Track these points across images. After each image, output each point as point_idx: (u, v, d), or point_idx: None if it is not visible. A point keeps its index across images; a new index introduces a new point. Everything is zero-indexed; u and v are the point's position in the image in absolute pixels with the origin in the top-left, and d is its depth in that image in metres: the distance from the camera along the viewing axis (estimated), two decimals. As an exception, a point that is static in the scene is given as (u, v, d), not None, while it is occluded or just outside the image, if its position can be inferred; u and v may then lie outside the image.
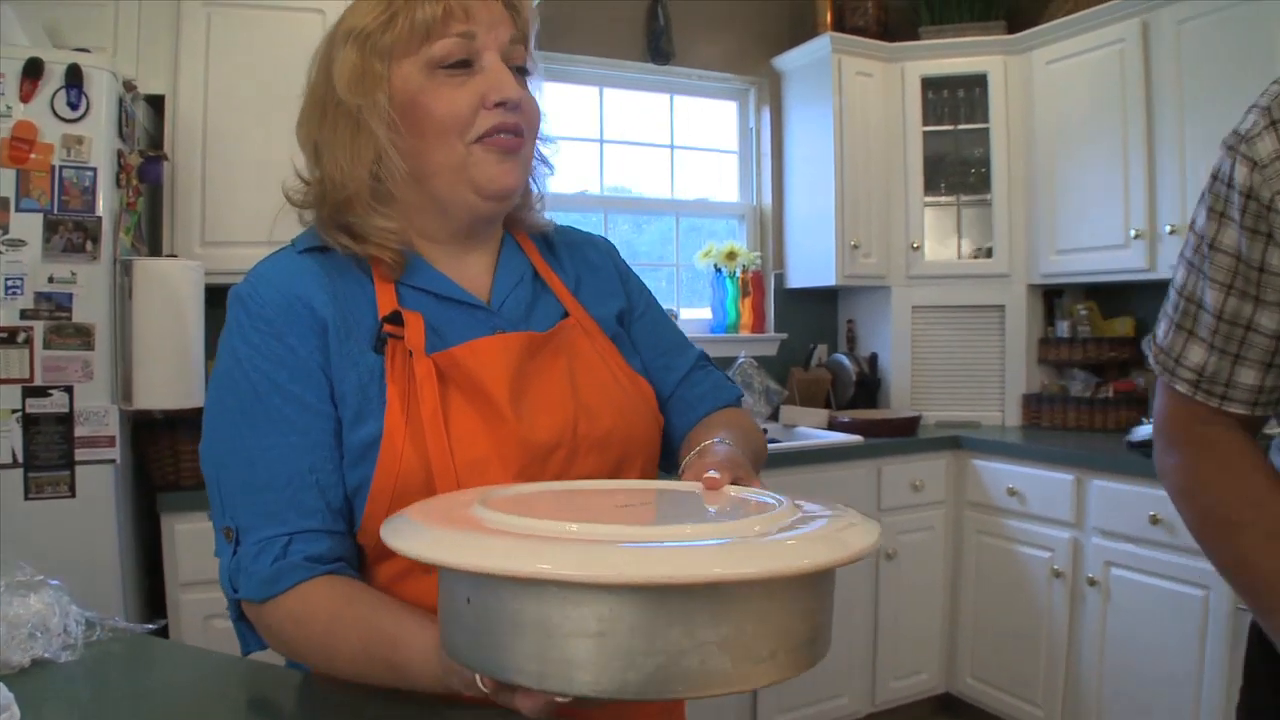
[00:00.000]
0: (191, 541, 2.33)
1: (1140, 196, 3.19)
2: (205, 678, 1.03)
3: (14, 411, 2.02)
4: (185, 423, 2.39)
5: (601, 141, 3.89)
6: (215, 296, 2.36)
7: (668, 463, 1.17)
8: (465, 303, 1.04)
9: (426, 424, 0.93)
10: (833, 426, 3.56)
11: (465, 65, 0.99)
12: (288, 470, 0.93)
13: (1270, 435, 1.19)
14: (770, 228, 4.12)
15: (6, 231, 2.02)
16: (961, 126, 3.81)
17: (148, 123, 2.54)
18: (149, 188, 2.48)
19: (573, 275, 1.16)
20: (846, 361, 3.95)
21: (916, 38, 3.85)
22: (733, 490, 0.84)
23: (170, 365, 2.20)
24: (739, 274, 3.91)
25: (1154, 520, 2.71)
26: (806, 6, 4.02)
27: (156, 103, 2.60)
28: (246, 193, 2.63)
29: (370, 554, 0.98)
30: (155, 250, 2.62)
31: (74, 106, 2.05)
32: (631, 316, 1.19)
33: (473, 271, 1.08)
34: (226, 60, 2.65)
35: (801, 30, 4.01)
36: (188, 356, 2.24)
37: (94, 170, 2.07)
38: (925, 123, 3.80)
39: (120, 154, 2.17)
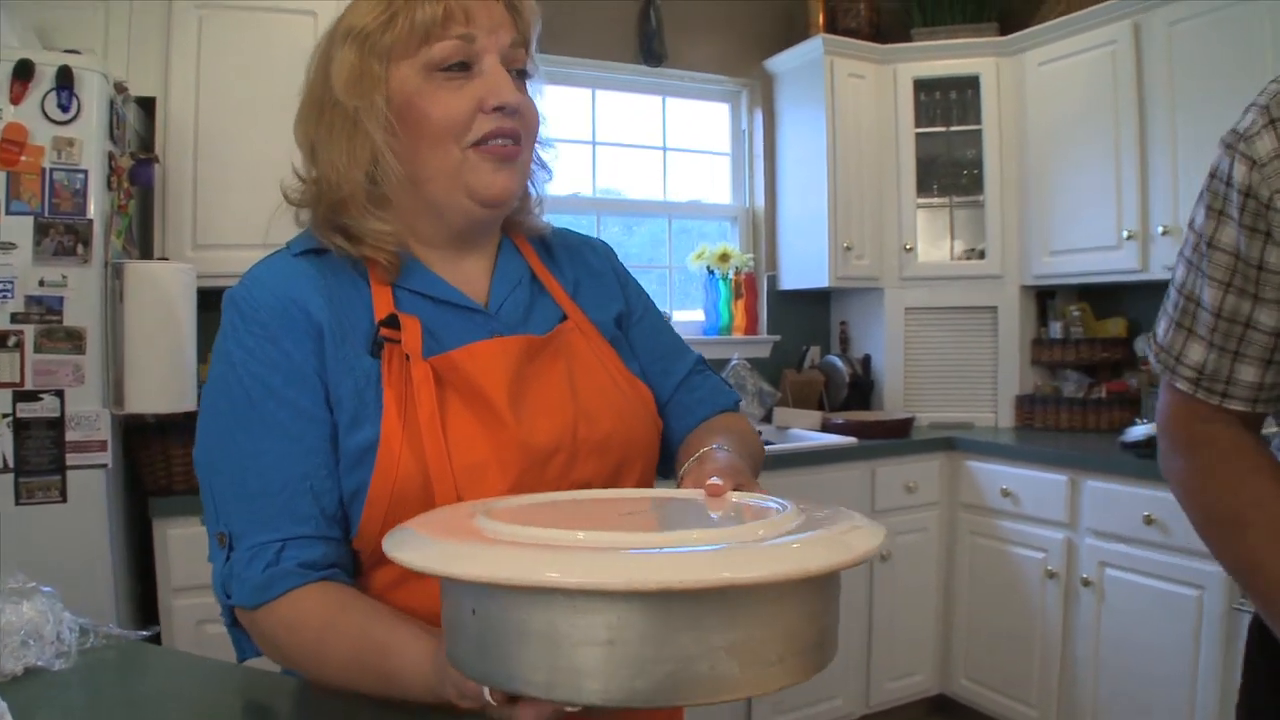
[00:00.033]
0: (184, 546, 2.31)
1: (1133, 197, 3.20)
2: (200, 685, 1.02)
3: (4, 416, 2.01)
4: (177, 427, 2.37)
5: (594, 144, 3.88)
6: (207, 300, 2.35)
7: (665, 467, 1.16)
8: (462, 306, 1.03)
9: (424, 428, 0.93)
10: (826, 428, 3.56)
11: (464, 68, 0.98)
12: (281, 476, 0.92)
13: (1270, 435, 1.19)
14: (763, 230, 4.12)
15: (-4, 234, 2.00)
16: (954, 128, 3.81)
17: (138, 125, 2.53)
18: (140, 190, 2.46)
19: (571, 278, 1.15)
20: (840, 363, 3.94)
21: (908, 39, 3.86)
22: (735, 497, 0.83)
23: (162, 369, 2.19)
24: (732, 276, 3.91)
25: (1148, 520, 2.71)
26: (798, 8, 4.03)
27: (147, 105, 2.58)
28: (238, 195, 2.62)
29: (365, 560, 0.97)
30: (146, 253, 2.60)
31: (65, 108, 2.03)
32: (630, 320, 1.19)
33: (470, 275, 1.07)
34: (218, 62, 2.63)
35: (793, 32, 4.01)
36: (180, 360, 2.23)
37: (85, 173, 2.05)
38: (918, 124, 3.80)
39: (111, 156, 2.15)
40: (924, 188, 3.85)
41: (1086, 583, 2.91)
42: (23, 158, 2.01)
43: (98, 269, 2.09)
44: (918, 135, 3.80)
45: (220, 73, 2.64)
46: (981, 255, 3.77)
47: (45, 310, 2.03)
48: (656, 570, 0.54)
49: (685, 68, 3.92)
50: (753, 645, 0.58)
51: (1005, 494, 3.20)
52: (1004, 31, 3.73)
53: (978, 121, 3.72)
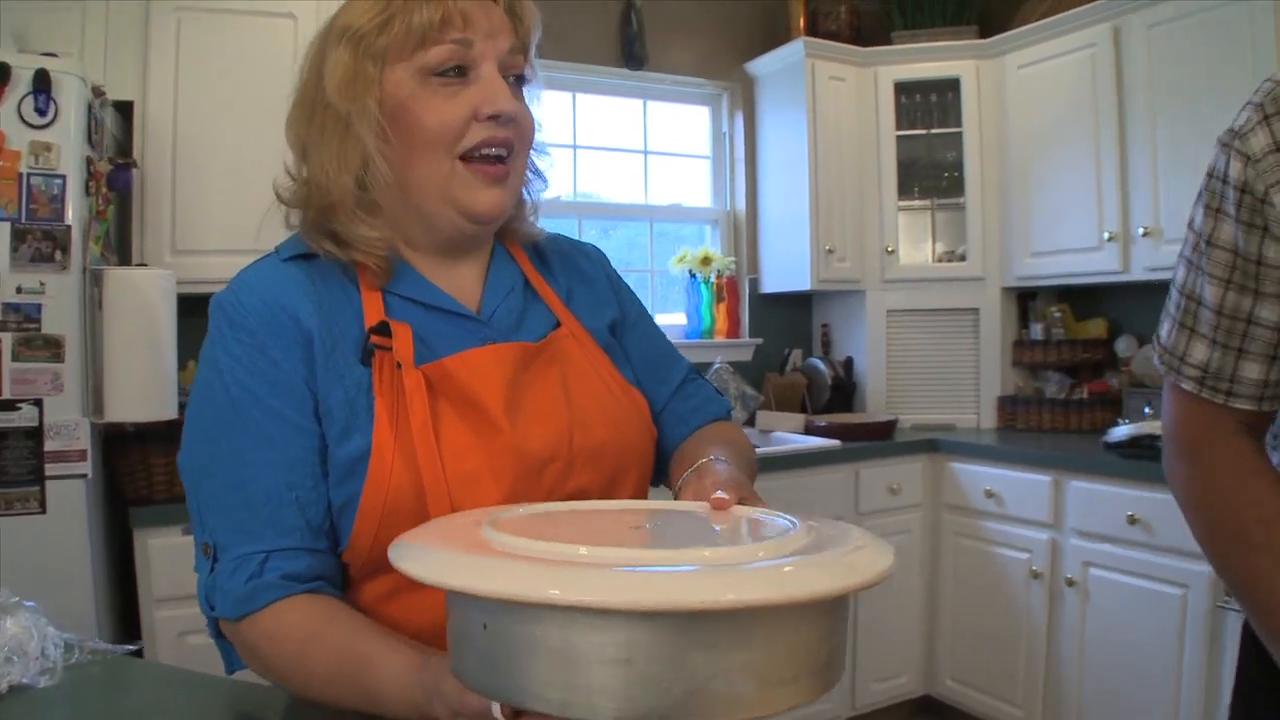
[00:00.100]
0: (165, 556, 2.28)
1: (1113, 199, 3.22)
2: (188, 699, 1.01)
3: (-19, 426, 1.98)
4: (157, 436, 2.34)
5: (575, 147, 3.87)
6: (187, 306, 2.32)
7: (658, 475, 1.15)
8: (455, 313, 1.02)
9: (417, 438, 0.91)
10: (809, 431, 3.56)
11: (460, 73, 0.96)
12: (266, 487, 0.91)
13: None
14: (744, 233, 4.12)
15: (-28, 241, 1.97)
16: (934, 130, 3.82)
17: (116, 129, 2.49)
18: (117, 196, 2.43)
19: (564, 285, 1.14)
20: (822, 366, 3.95)
21: (889, 42, 3.87)
22: (740, 511, 0.83)
23: (142, 377, 2.16)
24: (713, 279, 3.91)
25: (1131, 520, 2.73)
26: (779, 11, 4.03)
27: (124, 109, 2.55)
28: (217, 200, 2.59)
29: (356, 573, 0.96)
30: (124, 260, 2.57)
31: (42, 113, 2.00)
32: (624, 327, 1.18)
33: (462, 281, 1.06)
34: (196, 65, 2.60)
35: (774, 35, 4.02)
36: (160, 368, 2.20)
37: (63, 178, 2.02)
38: (898, 127, 3.81)
39: (90, 161, 2.12)
40: (905, 190, 3.86)
41: (1071, 583, 2.92)
42: (-1, 163, 1.98)
43: (76, 276, 2.06)
44: (898, 138, 3.81)
45: (199, 76, 2.61)
46: (963, 257, 3.78)
47: (23, 318, 2.00)
48: (679, 591, 0.54)
49: (666, 71, 3.92)
50: (768, 665, 0.58)
51: (989, 495, 3.21)
52: (984, 34, 3.74)
53: (958, 124, 3.73)
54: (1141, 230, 3.12)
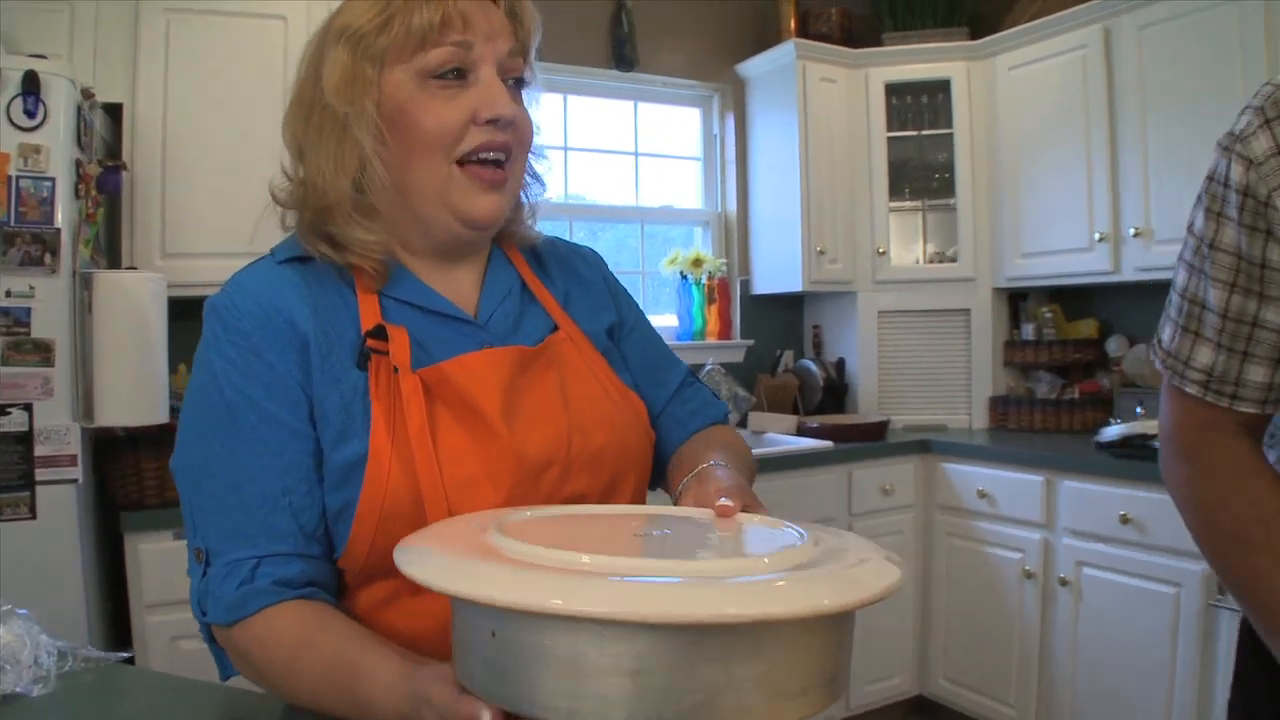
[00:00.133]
0: (156, 562, 2.27)
1: (1104, 200, 3.23)
2: (182, 706, 1.00)
3: (-30, 431, 1.96)
4: (148, 440, 2.32)
5: (565, 149, 3.87)
6: (177, 310, 2.31)
7: (655, 479, 1.15)
8: (451, 316, 1.01)
9: (414, 442, 0.90)
10: (802, 432, 3.56)
11: (459, 76, 0.96)
12: (260, 492, 0.90)
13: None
14: (735, 234, 4.12)
15: (-40, 245, 1.96)
16: (925, 132, 3.83)
17: (105, 132, 2.48)
18: (106, 199, 2.42)
19: (562, 289, 1.14)
20: (813, 367, 3.95)
21: (880, 44, 3.87)
22: (745, 519, 0.82)
23: (132, 381, 2.14)
24: (705, 281, 3.91)
25: (1124, 520, 2.73)
26: (770, 13, 4.03)
27: (114, 111, 2.53)
28: (208, 203, 2.58)
29: (353, 579, 0.95)
30: (114, 263, 2.55)
31: (31, 115, 1.99)
32: (622, 331, 1.17)
33: (459, 285, 1.05)
34: (186, 67, 2.59)
35: (765, 37, 4.02)
36: (150, 372, 2.19)
37: (52, 180, 2.01)
38: (889, 128, 3.82)
39: (79, 164, 2.11)
40: (896, 191, 3.86)
41: (1064, 582, 2.93)
42: (-13, 166, 1.97)
43: (66, 279, 2.05)
44: (889, 139, 3.81)
45: (189, 78, 2.59)
46: (954, 258, 3.79)
47: (13, 322, 1.99)
48: (691, 603, 0.54)
49: (657, 72, 3.91)
50: (778, 677, 0.58)
51: (981, 495, 3.21)
52: (974, 36, 3.75)
53: (949, 125, 3.74)
54: (1132, 231, 3.12)
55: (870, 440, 3.46)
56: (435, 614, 0.92)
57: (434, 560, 0.63)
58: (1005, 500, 3.14)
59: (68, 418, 2.05)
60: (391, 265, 1.01)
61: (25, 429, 2.00)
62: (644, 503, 1.10)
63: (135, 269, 2.48)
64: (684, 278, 3.90)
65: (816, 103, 3.74)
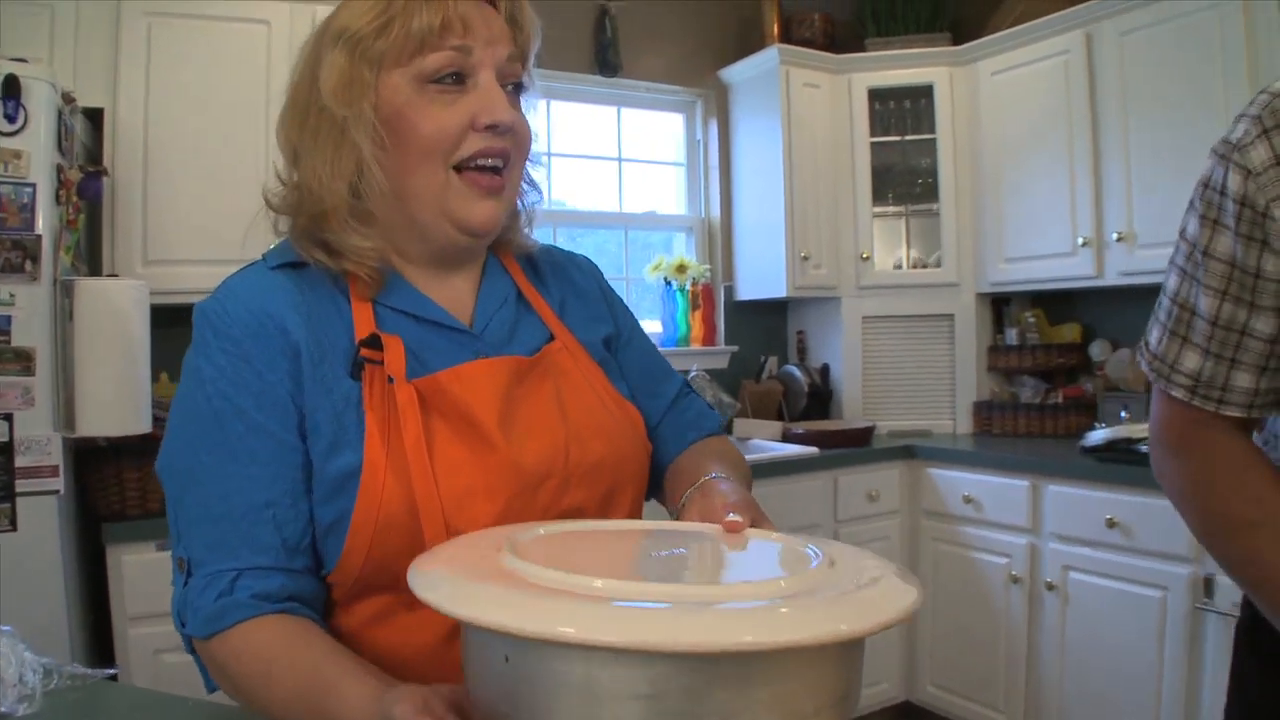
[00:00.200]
0: (139, 573, 2.23)
1: (1086, 204, 3.24)
2: (172, 724, 0.98)
3: (-51, 442, 1.93)
4: (130, 450, 2.29)
5: (549, 155, 3.85)
6: (158, 317, 2.28)
7: (651, 490, 1.14)
8: (447, 326, 1.00)
9: (410, 454, 0.89)
10: (787, 438, 3.56)
11: (458, 81, 0.94)
12: (244, 503, 0.88)
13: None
14: (719, 240, 4.12)
15: (-62, 252, 1.92)
16: (908, 137, 3.85)
17: (85, 137, 2.45)
18: (87, 205, 2.39)
19: (558, 297, 1.12)
20: (798, 373, 3.95)
21: (863, 49, 3.88)
22: (754, 534, 0.82)
23: (115, 390, 2.11)
24: (689, 287, 3.90)
25: (1110, 524, 2.74)
26: (753, 19, 4.04)
27: (94, 116, 2.50)
28: (190, 209, 2.55)
29: (345, 593, 0.93)
30: (94, 270, 2.52)
31: (11, 119, 1.96)
32: (618, 342, 1.16)
33: (455, 293, 1.04)
34: (168, 72, 2.56)
35: (748, 42, 4.02)
36: (133, 381, 2.15)
37: (33, 186, 1.98)
38: (873, 134, 3.82)
39: (60, 169, 2.08)
40: (879, 197, 3.87)
41: (1050, 586, 2.94)
42: (-34, 171, 1.93)
43: (47, 286, 2.02)
44: (873, 144, 3.82)
45: (171, 83, 2.56)
46: (937, 263, 3.80)
47: (-7, 330, 1.96)
48: (712, 631, 0.53)
49: (640, 78, 3.91)
50: (792, 699, 0.58)
51: (967, 500, 3.22)
52: (957, 41, 3.77)
53: (932, 130, 3.75)
54: (1115, 235, 3.14)
55: (855, 446, 3.46)
56: (430, 630, 0.91)
57: (448, 585, 0.62)
58: (991, 505, 3.14)
59: (49, 428, 2.02)
60: (386, 273, 0.99)
61: (5, 439, 1.96)
62: (640, 515, 1.09)
63: (116, 276, 2.44)
64: (668, 284, 3.89)
65: (800, 108, 3.74)
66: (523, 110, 1.01)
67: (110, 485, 2.30)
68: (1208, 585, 2.50)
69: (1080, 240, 3.26)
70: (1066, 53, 3.27)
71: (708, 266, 4.01)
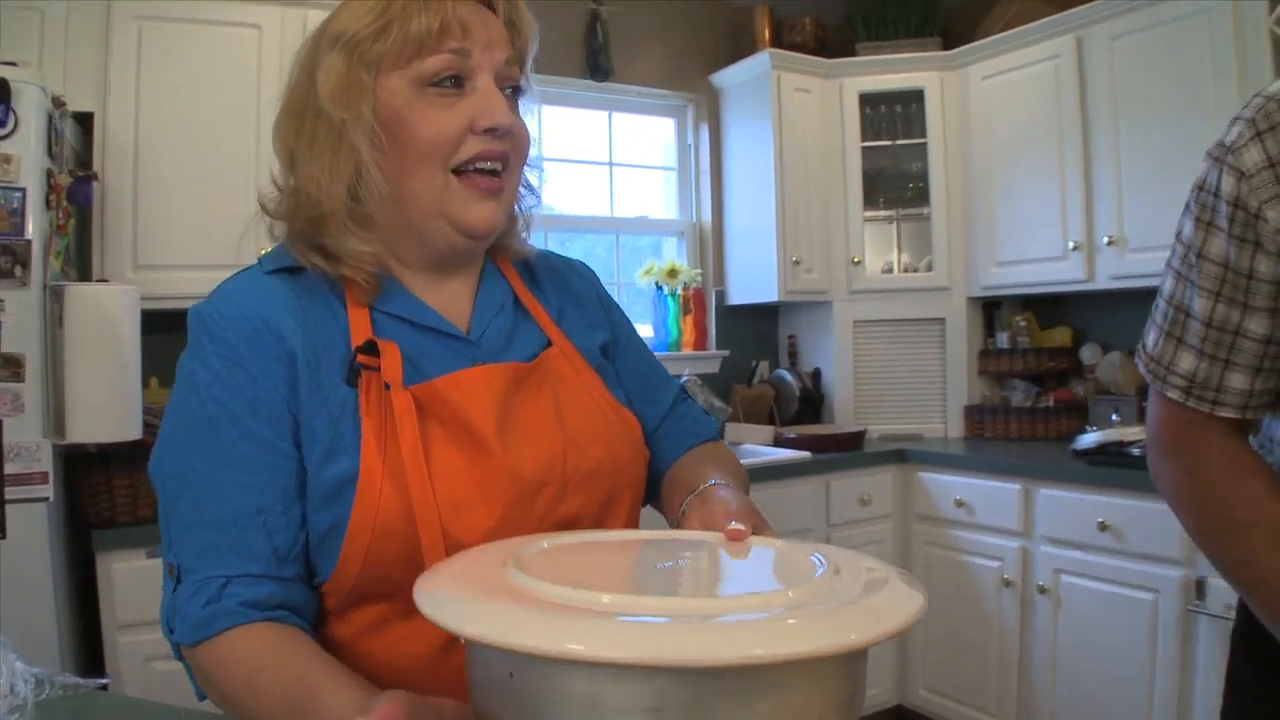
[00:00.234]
0: (129, 581, 2.22)
1: (1077, 208, 3.25)
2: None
3: (-63, 449, 1.91)
4: (120, 456, 2.28)
5: (540, 159, 3.84)
6: (149, 322, 2.27)
7: (648, 496, 1.13)
8: (444, 332, 0.99)
9: (407, 461, 0.88)
10: (779, 443, 3.56)
11: (456, 84, 0.94)
12: (235, 509, 0.87)
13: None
14: (710, 244, 4.12)
15: (-73, 257, 1.91)
16: (899, 141, 3.85)
17: (75, 141, 2.43)
18: (76, 210, 2.37)
19: (555, 304, 1.12)
20: (789, 377, 3.95)
21: (853, 54, 3.89)
22: (757, 542, 0.81)
23: (105, 396, 2.10)
24: (680, 291, 3.90)
25: (1102, 527, 2.75)
26: (744, 23, 4.04)
27: (84, 120, 2.49)
28: (181, 214, 2.54)
29: (340, 603, 0.92)
30: (84, 275, 2.51)
31: (1, 123, 1.94)
32: (616, 349, 1.16)
33: (452, 299, 1.03)
34: (159, 76, 2.55)
35: (740, 47, 4.03)
36: (124, 387, 2.14)
37: (23, 191, 1.96)
38: (864, 138, 3.83)
39: (50, 174, 2.06)
40: (870, 201, 3.88)
41: (1042, 590, 2.94)
42: (-45, 176, 1.92)
43: (37, 292, 2.00)
44: (864, 148, 3.83)
45: (161, 87, 2.55)
46: (928, 268, 3.81)
47: (-19, 336, 1.94)
48: (720, 647, 0.53)
49: (631, 82, 3.91)
50: (796, 709, 0.57)
51: (959, 504, 3.22)
52: (947, 46, 3.78)
53: (923, 135, 3.76)
54: (1106, 239, 3.15)
55: (847, 450, 3.46)
56: (425, 640, 0.90)
57: (455, 603, 0.62)
58: (983, 509, 3.15)
59: (39, 434, 2.00)
60: (383, 278, 0.98)
61: (-6, 446, 1.95)
62: (638, 521, 1.08)
63: (106, 281, 2.43)
64: (659, 288, 3.89)
65: (791, 112, 3.75)
66: (521, 114, 1.00)
67: (100, 492, 2.28)
68: (1199, 588, 2.51)
69: (1071, 244, 3.27)
70: (1057, 57, 3.28)
71: (699, 271, 4.01)
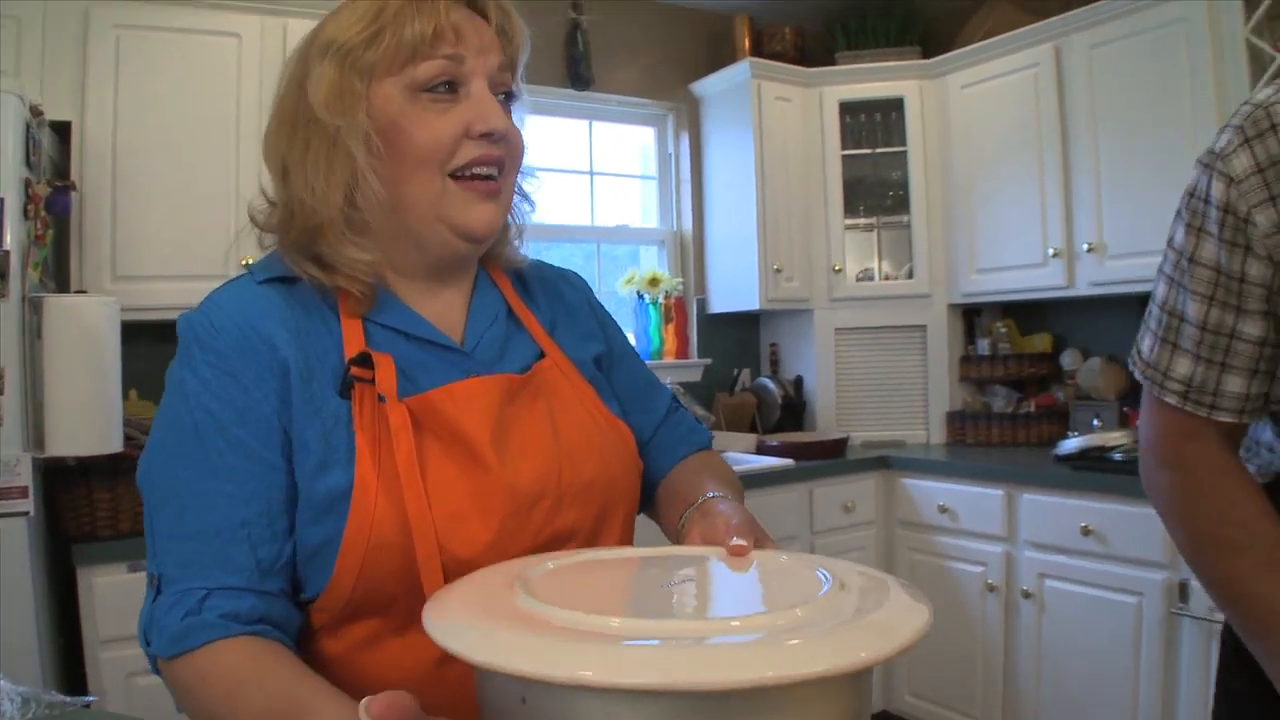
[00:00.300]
0: (110, 595, 2.19)
1: (1057, 216, 3.28)
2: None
3: (-86, 463, 1.88)
4: (100, 470, 2.25)
5: (534, 169, 3.83)
6: (127, 333, 2.24)
7: (643, 505, 1.13)
8: (438, 344, 0.98)
9: (402, 474, 0.87)
10: (761, 451, 3.56)
11: (450, 90, 0.93)
12: (219, 521, 0.86)
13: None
14: (691, 253, 4.12)
15: (-97, 269, 1.88)
16: (879, 150, 3.87)
17: (53, 151, 2.40)
18: (55, 220, 2.34)
19: (548, 314, 1.11)
20: (771, 385, 3.96)
21: (833, 63, 3.91)
22: (761, 557, 0.81)
23: (85, 409, 2.07)
24: (661, 300, 3.90)
25: (1085, 531, 2.76)
26: (725, 32, 4.05)
27: (61, 130, 2.46)
28: (160, 224, 2.51)
29: (333, 618, 0.90)
30: (62, 286, 2.47)
31: (-22, 134, 1.92)
32: (610, 360, 1.15)
33: (445, 309, 1.02)
34: (137, 85, 2.52)
35: (720, 56, 4.04)
36: (104, 399, 2.11)
37: (1, 201, 1.94)
38: (844, 146, 3.85)
39: (28, 183, 2.04)
40: (851, 209, 3.89)
41: (1027, 594, 2.95)
42: (-68, 187, 1.89)
43: (16, 303, 1.97)
44: (844, 157, 3.85)
45: (140, 96, 2.53)
46: (909, 275, 3.82)
47: (-41, 349, 1.91)
48: (731, 668, 0.54)
49: (612, 91, 3.91)
50: None
51: (942, 510, 3.23)
52: (927, 55, 3.80)
53: (903, 143, 3.78)
54: (1085, 246, 3.18)
55: (830, 458, 3.47)
56: (420, 655, 0.89)
57: (468, 631, 0.62)
58: (966, 515, 3.16)
59: (18, 448, 1.97)
60: (377, 289, 0.97)
61: (-27, 460, 1.92)
62: (633, 533, 1.08)
63: (85, 292, 2.40)
64: (640, 297, 3.89)
65: (771, 121, 3.76)
66: (514, 120, 1.00)
67: (81, 506, 2.25)
68: (1183, 590, 2.53)
69: (1051, 251, 3.29)
70: (1036, 66, 3.31)
71: (680, 280, 4.02)
